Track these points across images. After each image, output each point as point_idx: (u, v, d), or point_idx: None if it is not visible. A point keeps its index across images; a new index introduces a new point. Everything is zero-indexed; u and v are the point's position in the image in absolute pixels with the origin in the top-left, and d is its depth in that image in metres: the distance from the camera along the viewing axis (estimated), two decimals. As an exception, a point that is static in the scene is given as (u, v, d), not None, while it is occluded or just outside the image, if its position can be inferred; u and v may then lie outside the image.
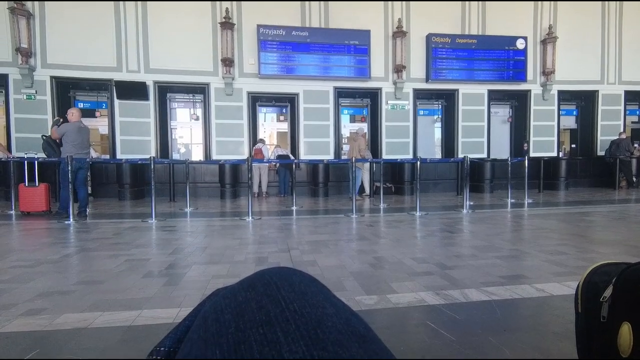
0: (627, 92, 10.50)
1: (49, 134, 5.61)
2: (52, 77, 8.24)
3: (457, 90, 9.80)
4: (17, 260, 2.81)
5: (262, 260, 2.75)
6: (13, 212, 5.54)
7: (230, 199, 8.20)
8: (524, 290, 2.04)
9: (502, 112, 10.73)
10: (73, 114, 5.48)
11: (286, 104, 9.90)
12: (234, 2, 8.82)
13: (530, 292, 2.00)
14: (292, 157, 8.64)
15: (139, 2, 8.49)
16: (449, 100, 10.15)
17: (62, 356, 1.23)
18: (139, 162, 6.68)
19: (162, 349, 0.35)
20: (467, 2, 9.72)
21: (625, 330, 0.62)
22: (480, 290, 2.05)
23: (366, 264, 2.65)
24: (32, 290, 2.10)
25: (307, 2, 9.13)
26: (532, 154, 9.89)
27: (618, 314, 0.66)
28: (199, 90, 9.15)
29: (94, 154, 8.36)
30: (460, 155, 9.41)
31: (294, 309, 0.28)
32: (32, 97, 8.15)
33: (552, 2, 10.08)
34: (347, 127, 10.41)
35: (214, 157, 9.00)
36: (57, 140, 5.36)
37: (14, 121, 8.13)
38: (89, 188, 7.62)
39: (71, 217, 4.71)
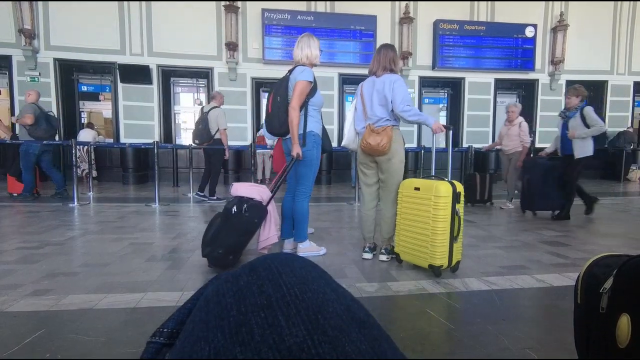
0: (636, 83, 10.31)
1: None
2: (55, 59, 8.19)
3: (463, 78, 9.66)
4: (21, 242, 2.85)
5: (264, 246, 2.77)
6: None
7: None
8: (524, 280, 2.05)
9: (509, 102, 10.59)
10: (30, 95, 5.28)
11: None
12: (239, -15, 8.66)
13: (530, 283, 2.01)
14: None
15: (143, -16, 8.36)
16: (454, 88, 10.02)
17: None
18: (142, 146, 6.68)
19: (165, 330, 0.35)
20: (476, -12, 9.50)
21: (624, 322, 0.62)
22: (481, 279, 2.06)
23: (367, 251, 2.66)
24: (38, 272, 2.13)
25: (313, -14, 8.96)
26: (537, 145, 9.80)
27: (617, 306, 0.66)
28: (203, 74, 9.07)
29: (97, 137, 8.38)
30: (465, 145, 9.34)
31: (295, 293, 0.28)
32: (36, 79, 8.12)
33: (564, -11, 9.83)
34: (351, 115, 10.33)
35: (218, 142, 8.98)
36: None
37: (18, 103, 8.11)
38: (94, 171, 7.64)
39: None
